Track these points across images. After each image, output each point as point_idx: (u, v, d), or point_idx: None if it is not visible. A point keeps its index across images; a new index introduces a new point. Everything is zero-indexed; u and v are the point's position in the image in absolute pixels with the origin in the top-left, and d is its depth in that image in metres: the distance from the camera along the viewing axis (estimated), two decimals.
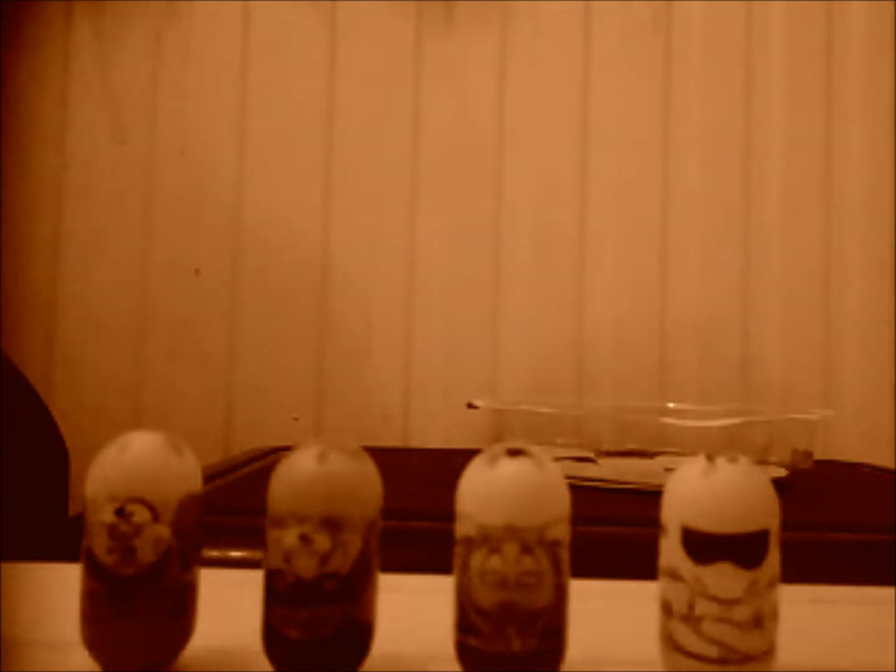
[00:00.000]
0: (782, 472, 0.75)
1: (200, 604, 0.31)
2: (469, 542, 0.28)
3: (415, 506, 0.58)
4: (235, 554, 0.55)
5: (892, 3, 1.18)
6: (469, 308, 1.16)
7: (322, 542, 0.28)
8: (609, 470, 0.76)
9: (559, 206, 1.17)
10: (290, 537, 0.29)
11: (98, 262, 1.15)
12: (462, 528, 0.29)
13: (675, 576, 0.28)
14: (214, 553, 0.54)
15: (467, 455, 0.30)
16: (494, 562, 0.28)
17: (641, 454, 0.82)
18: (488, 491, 0.28)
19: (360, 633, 0.29)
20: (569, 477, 0.30)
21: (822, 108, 1.18)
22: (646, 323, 1.16)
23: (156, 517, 0.29)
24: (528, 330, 1.16)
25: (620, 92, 1.18)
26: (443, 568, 0.32)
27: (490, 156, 1.17)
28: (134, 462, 0.30)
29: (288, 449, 0.31)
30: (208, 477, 0.70)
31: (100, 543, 0.29)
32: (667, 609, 0.29)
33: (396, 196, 1.17)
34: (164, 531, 0.30)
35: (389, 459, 0.35)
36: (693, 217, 1.17)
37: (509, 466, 0.29)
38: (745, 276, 1.17)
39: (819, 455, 0.82)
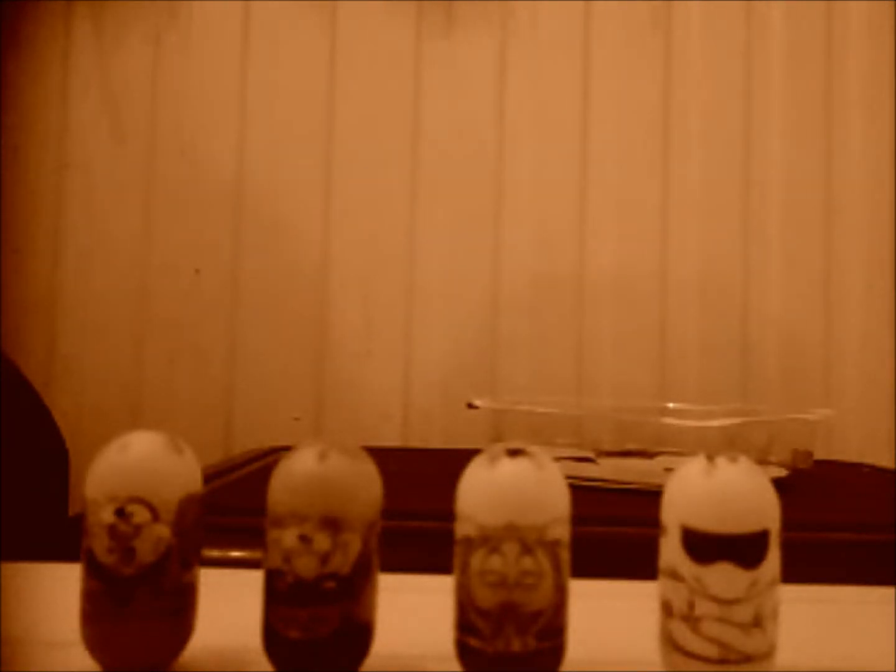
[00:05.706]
0: (782, 472, 0.75)
1: (200, 604, 0.31)
2: (469, 542, 0.28)
3: (415, 506, 0.58)
4: (235, 554, 0.55)
5: (893, 3, 1.18)
6: (469, 308, 1.16)
7: (322, 542, 0.28)
8: (609, 470, 0.76)
9: (559, 206, 1.17)
10: (290, 537, 0.29)
11: (98, 263, 1.15)
12: (462, 528, 0.29)
13: (675, 576, 0.28)
14: (214, 553, 0.54)
15: (467, 455, 0.30)
16: (494, 562, 0.28)
17: (641, 454, 0.82)
18: (488, 491, 0.28)
19: (359, 633, 0.29)
20: (569, 477, 0.30)
21: (821, 107, 1.18)
22: (646, 324, 1.16)
23: (156, 517, 0.29)
24: (528, 330, 1.16)
25: (620, 91, 1.18)
26: (443, 568, 0.32)
27: (490, 155, 1.17)
28: (134, 462, 0.30)
29: (288, 449, 0.31)
30: (208, 477, 0.70)
31: (100, 543, 0.29)
32: (667, 609, 0.28)
33: (396, 196, 1.17)
34: (164, 531, 0.29)
35: (389, 459, 0.35)
36: (693, 216, 1.17)
37: (509, 466, 0.29)
38: (745, 276, 1.17)
39: (819, 455, 0.82)
